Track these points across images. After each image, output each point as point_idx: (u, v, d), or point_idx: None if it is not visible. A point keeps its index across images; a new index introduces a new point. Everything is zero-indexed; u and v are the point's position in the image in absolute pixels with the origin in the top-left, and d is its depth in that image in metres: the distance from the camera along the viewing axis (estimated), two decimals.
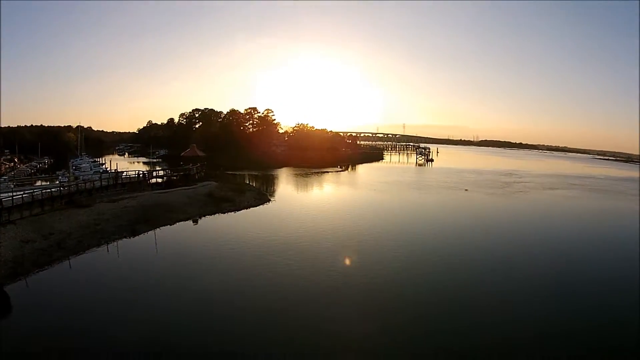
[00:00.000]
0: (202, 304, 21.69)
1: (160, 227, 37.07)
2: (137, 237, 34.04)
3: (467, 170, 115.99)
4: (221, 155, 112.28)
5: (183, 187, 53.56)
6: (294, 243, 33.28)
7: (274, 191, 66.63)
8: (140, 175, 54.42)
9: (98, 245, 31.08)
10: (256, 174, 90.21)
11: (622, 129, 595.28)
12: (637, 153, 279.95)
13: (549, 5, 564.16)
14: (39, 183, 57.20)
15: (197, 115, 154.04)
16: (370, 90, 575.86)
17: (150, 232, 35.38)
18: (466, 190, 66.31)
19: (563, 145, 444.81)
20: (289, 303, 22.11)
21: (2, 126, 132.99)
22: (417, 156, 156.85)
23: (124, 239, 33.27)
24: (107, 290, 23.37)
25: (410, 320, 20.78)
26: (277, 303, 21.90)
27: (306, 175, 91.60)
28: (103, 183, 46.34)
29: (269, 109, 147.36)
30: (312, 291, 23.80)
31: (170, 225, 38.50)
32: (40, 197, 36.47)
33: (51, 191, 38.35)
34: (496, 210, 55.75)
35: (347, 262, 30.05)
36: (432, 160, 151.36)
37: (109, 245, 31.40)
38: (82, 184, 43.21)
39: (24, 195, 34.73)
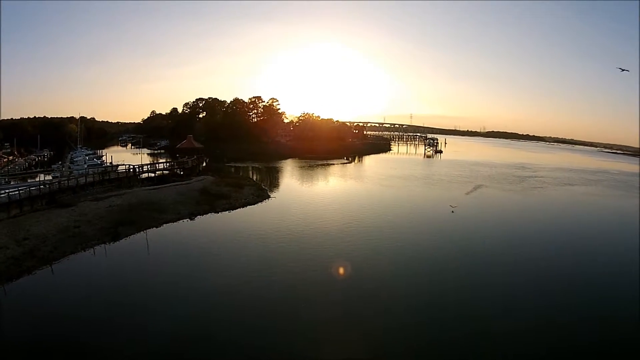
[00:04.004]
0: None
1: (146, 230, 33.98)
2: (118, 242, 31.04)
3: (478, 163, 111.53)
4: (225, 146, 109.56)
5: (176, 183, 50.61)
6: (284, 256, 29.37)
7: (275, 186, 63.14)
8: (131, 170, 51.38)
9: (74, 252, 28.27)
10: (259, 166, 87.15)
11: (627, 122, 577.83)
12: None
13: None
14: (40, 177, 55.12)
15: (200, 104, 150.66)
16: (377, 79, 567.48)
17: (133, 236, 32.40)
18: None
19: (570, 138, 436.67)
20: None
21: (4, 119, 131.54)
22: (426, 147, 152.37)
23: (104, 245, 30.25)
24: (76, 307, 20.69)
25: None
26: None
27: (311, 167, 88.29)
28: (88, 179, 43.42)
29: (273, 98, 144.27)
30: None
31: (157, 227, 35.34)
32: (18, 198, 33.86)
33: (30, 190, 35.55)
34: (519, 210, 51.43)
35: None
36: (441, 152, 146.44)
37: (88, 252, 28.65)
38: (65, 182, 40.27)
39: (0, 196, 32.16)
